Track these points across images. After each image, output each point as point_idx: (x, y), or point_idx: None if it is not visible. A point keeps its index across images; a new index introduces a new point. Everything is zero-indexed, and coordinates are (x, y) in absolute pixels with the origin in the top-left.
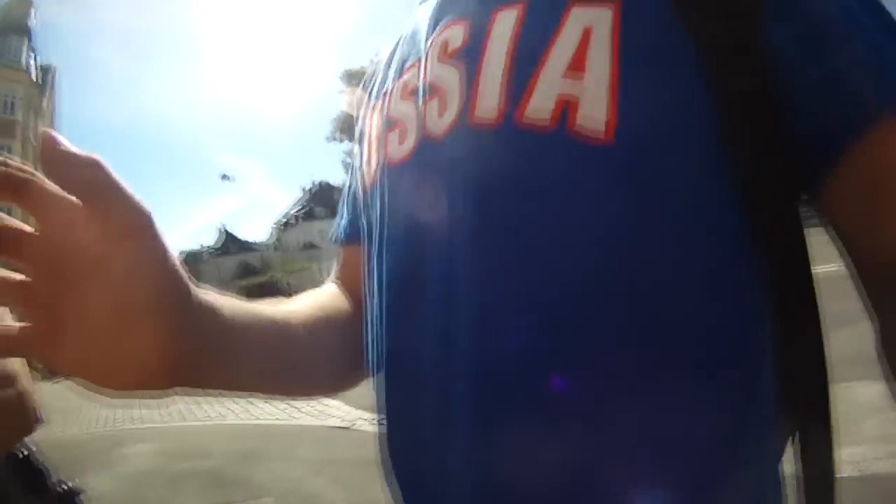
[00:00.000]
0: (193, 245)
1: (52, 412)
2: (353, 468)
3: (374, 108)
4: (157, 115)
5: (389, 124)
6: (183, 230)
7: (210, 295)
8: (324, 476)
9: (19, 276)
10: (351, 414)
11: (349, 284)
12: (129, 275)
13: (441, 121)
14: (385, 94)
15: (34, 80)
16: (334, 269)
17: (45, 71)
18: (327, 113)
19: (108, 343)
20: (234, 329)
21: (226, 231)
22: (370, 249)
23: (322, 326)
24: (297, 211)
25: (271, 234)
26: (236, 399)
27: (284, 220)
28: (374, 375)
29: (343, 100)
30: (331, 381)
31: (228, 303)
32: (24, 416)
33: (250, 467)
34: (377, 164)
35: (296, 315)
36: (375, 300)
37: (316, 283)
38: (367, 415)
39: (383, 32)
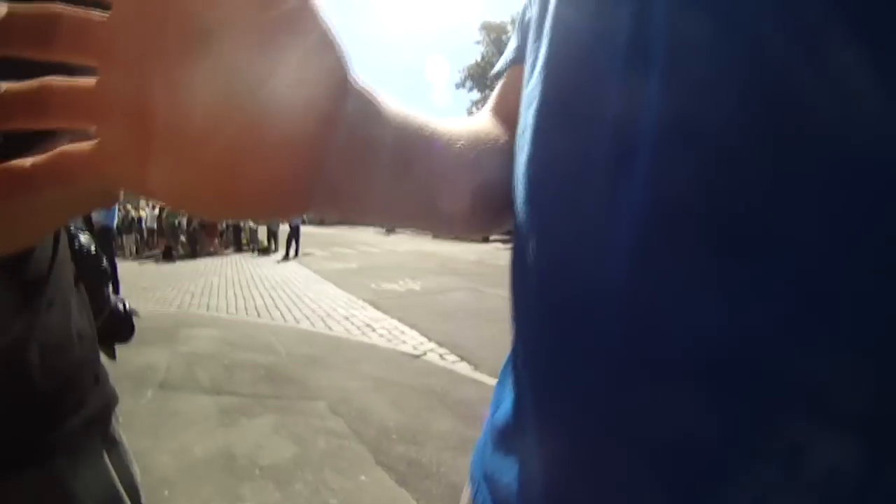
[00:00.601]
0: None
1: (129, 288)
2: (412, 394)
3: None
4: None
5: None
6: None
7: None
8: (381, 394)
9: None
10: (424, 345)
11: (507, 110)
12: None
13: None
14: None
15: None
16: (492, 97)
17: None
18: (461, 61)
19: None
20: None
21: None
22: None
23: (476, 147)
24: None
25: None
26: (315, 309)
27: None
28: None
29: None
30: (482, 216)
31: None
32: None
33: (310, 371)
34: None
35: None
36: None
37: None
38: (441, 349)
39: None
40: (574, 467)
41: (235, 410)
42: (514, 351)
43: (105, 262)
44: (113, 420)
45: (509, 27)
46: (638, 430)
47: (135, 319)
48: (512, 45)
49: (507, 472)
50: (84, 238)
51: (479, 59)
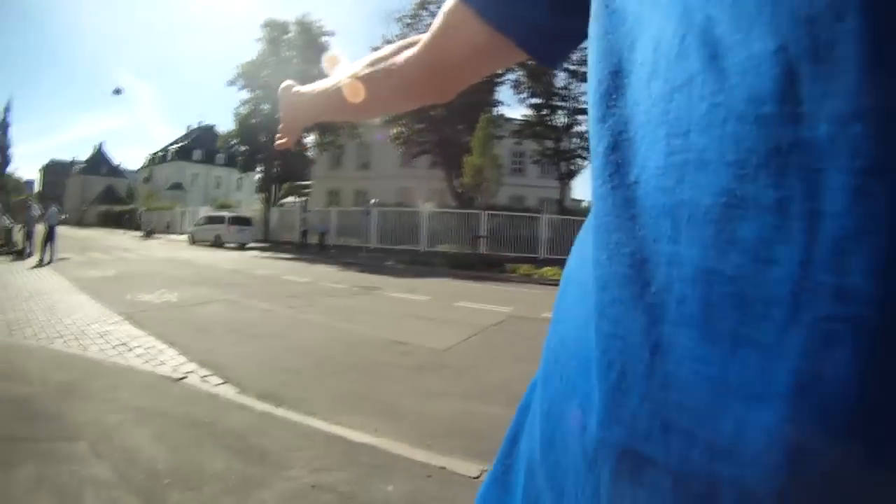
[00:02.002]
0: (66, 156)
1: None
2: (177, 426)
3: None
4: (67, 9)
5: None
6: (59, 139)
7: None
8: (144, 428)
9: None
10: (185, 365)
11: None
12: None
13: None
14: None
15: None
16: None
17: None
18: (236, 59)
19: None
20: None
21: (101, 150)
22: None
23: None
24: (175, 148)
25: (145, 164)
26: (69, 325)
27: (161, 153)
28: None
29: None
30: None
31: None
32: None
33: (67, 403)
34: None
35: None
36: None
37: (172, 226)
38: (202, 370)
39: None
40: None
41: None
42: None
43: None
44: None
45: (291, 27)
46: None
47: None
48: None
49: None
50: None
51: (253, 57)
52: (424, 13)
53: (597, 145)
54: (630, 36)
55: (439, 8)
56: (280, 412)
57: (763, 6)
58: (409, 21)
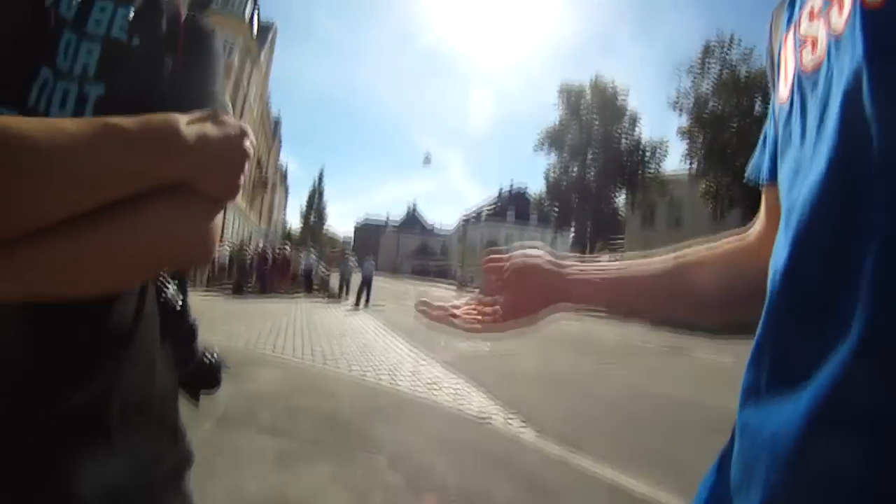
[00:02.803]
0: (381, 215)
1: (199, 317)
2: (465, 453)
3: (785, 37)
4: (367, 88)
5: (801, 41)
6: (374, 200)
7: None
8: (442, 454)
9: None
10: (489, 407)
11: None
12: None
13: (840, 18)
14: (794, 22)
15: (254, 32)
16: (759, 215)
17: (266, 28)
18: (540, 124)
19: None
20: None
21: (414, 210)
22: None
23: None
24: (489, 209)
25: (458, 226)
26: (383, 361)
27: (475, 214)
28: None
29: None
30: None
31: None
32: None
33: (373, 425)
34: (793, 75)
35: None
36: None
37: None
38: (504, 412)
39: (600, 53)
40: None
41: (293, 455)
42: None
43: (193, 317)
44: (186, 478)
45: (587, 91)
46: None
47: (223, 372)
48: (764, 156)
49: None
50: (171, 290)
51: (556, 122)
52: (711, 60)
53: None
54: None
55: (724, 53)
56: (573, 457)
57: None
58: (697, 71)
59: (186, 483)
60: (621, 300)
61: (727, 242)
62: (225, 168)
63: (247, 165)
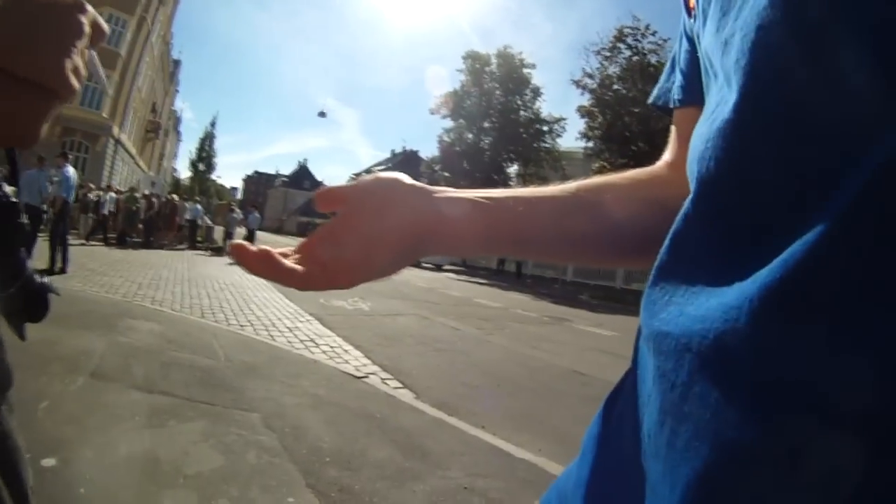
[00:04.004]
0: (270, 169)
1: (77, 268)
2: (350, 416)
3: None
4: (272, 39)
5: None
6: (265, 152)
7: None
8: (318, 412)
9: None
10: (367, 367)
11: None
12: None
13: None
14: None
15: None
16: (670, 144)
17: None
18: (440, 89)
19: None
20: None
21: (305, 166)
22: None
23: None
24: (379, 169)
25: (349, 181)
26: (260, 317)
27: (365, 173)
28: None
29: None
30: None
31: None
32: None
33: (248, 381)
34: None
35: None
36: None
37: None
38: (384, 373)
39: (512, 27)
40: None
41: (166, 412)
42: None
43: (25, 219)
44: (2, 406)
45: (493, 59)
46: None
47: (52, 297)
48: (675, 79)
49: None
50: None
51: (457, 87)
52: (622, 45)
53: None
54: None
55: (636, 40)
56: (451, 420)
57: None
58: (607, 54)
59: (3, 414)
60: (509, 226)
61: (635, 172)
62: (43, 43)
63: (79, 44)
